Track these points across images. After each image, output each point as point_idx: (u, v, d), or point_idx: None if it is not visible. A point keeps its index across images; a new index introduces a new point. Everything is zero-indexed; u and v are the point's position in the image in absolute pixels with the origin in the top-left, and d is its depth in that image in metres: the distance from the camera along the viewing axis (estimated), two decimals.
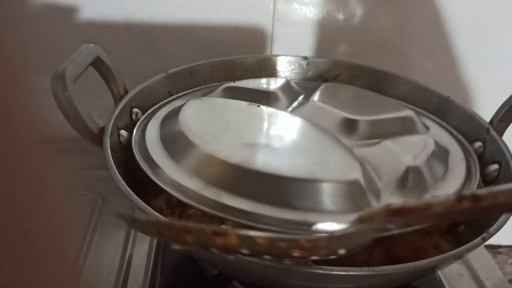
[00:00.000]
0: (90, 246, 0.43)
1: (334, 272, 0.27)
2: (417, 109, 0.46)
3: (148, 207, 0.30)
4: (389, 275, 0.29)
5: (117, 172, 0.32)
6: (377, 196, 0.33)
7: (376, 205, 0.32)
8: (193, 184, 0.32)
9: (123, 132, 0.39)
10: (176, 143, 0.36)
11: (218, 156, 0.32)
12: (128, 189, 0.31)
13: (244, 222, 0.27)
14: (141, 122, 0.40)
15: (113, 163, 0.33)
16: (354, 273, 0.27)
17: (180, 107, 0.40)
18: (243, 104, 0.41)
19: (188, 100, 0.40)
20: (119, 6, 0.52)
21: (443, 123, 0.44)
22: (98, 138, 0.37)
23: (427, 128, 0.43)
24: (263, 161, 0.32)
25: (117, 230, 0.45)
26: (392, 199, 0.33)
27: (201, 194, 0.31)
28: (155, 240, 0.44)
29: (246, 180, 0.31)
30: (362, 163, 0.34)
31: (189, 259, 0.41)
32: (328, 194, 0.31)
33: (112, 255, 0.42)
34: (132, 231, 0.45)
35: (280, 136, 0.37)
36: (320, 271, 0.27)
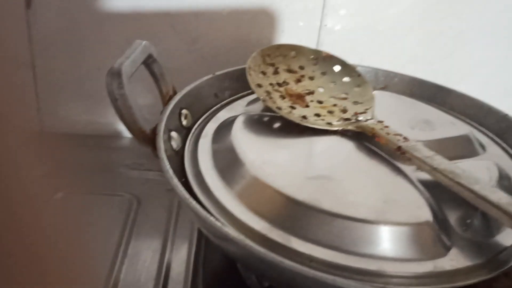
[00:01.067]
0: (126, 250, 0.42)
1: None
2: (471, 122, 0.44)
3: (223, 227, 0.28)
4: None
5: (174, 177, 0.30)
6: (449, 235, 0.31)
7: (448, 243, 0.30)
8: (258, 224, 0.30)
9: (174, 134, 0.37)
10: (232, 170, 0.34)
11: (283, 192, 0.30)
12: (192, 200, 0.29)
13: (318, 274, 0.25)
14: (190, 140, 0.38)
15: (169, 167, 0.31)
16: None
17: (230, 122, 0.39)
18: (294, 123, 0.39)
19: (237, 117, 0.39)
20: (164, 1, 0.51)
21: (499, 141, 0.42)
22: (150, 138, 0.35)
23: (483, 147, 0.41)
24: (331, 199, 0.30)
25: (154, 234, 0.43)
26: (465, 242, 0.31)
27: (268, 237, 0.29)
28: (194, 246, 0.42)
29: (314, 221, 0.29)
30: (428, 197, 0.32)
31: (230, 269, 0.40)
32: (399, 238, 0.29)
33: (149, 261, 0.41)
34: (170, 236, 0.43)
35: (341, 165, 0.35)
36: None
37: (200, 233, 0.43)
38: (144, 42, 0.38)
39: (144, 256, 0.41)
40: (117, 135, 0.56)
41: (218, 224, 0.27)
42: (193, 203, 0.28)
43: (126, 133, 0.55)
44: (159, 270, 0.40)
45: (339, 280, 0.24)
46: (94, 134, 0.54)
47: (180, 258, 0.41)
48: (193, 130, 0.40)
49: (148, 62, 0.38)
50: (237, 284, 0.38)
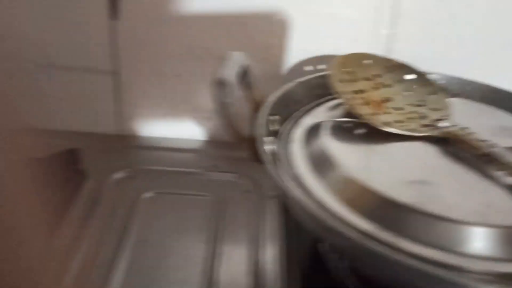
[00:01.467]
0: (217, 249, 0.44)
1: None
2: None
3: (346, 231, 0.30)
4: None
5: (283, 181, 0.33)
6: None
7: None
8: (366, 225, 0.32)
9: (265, 139, 0.39)
10: (329, 174, 0.36)
11: (386, 196, 0.32)
12: (306, 203, 0.31)
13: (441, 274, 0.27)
14: (279, 145, 0.41)
15: (276, 172, 0.34)
16: None
17: (316, 127, 0.41)
18: (375, 129, 0.41)
19: (322, 122, 0.42)
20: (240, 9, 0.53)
21: None
22: (248, 143, 0.38)
23: None
24: (434, 202, 0.32)
25: (241, 233, 0.46)
26: None
27: (378, 238, 0.31)
28: (283, 245, 0.44)
29: (418, 223, 0.31)
30: None
31: (320, 264, 0.42)
32: (501, 240, 0.31)
33: (241, 260, 0.43)
34: (257, 235, 0.45)
35: (433, 170, 0.37)
36: None
37: (286, 231, 0.45)
38: (241, 53, 0.40)
39: (234, 255, 0.43)
40: (193, 138, 0.59)
41: (342, 227, 0.30)
42: (311, 206, 0.31)
43: (201, 136, 0.58)
44: (251, 268, 0.42)
45: (460, 280, 0.27)
46: (172, 137, 0.58)
47: (270, 256, 0.43)
48: (280, 135, 0.42)
49: (244, 72, 0.41)
50: (325, 276, 0.41)
